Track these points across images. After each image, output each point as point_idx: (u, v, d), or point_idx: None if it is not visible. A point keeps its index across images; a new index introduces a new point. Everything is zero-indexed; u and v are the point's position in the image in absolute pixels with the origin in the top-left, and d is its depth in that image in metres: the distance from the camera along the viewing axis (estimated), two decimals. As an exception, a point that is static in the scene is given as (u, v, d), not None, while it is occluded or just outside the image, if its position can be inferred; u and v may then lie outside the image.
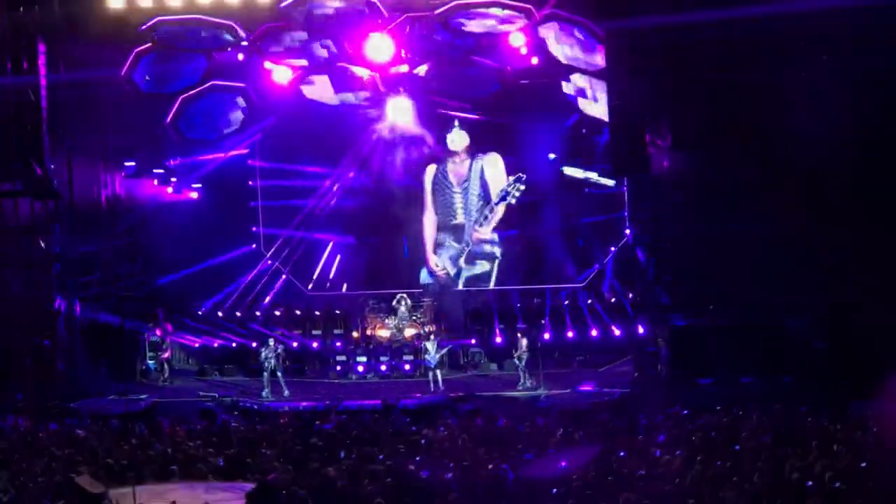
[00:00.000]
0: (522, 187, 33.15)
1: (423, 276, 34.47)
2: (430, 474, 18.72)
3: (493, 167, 34.19)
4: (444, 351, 31.04)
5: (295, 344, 32.74)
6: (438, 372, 30.15)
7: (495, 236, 34.08)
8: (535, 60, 32.07)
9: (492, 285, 34.07)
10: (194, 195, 34.80)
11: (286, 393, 29.85)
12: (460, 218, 34.36)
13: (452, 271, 34.13)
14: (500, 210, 33.85)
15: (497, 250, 34.04)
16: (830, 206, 26.93)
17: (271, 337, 31.40)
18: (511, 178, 33.33)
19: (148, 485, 18.94)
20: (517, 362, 30.24)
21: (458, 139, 34.05)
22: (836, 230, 27.14)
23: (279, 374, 30.18)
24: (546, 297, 33.24)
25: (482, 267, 34.03)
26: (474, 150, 34.27)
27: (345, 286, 35.14)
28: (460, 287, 34.14)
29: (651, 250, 28.85)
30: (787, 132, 27.04)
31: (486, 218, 33.80)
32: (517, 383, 29.89)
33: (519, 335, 31.01)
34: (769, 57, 27.32)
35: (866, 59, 26.80)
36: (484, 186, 34.21)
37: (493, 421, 24.28)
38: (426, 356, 30.59)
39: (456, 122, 33.86)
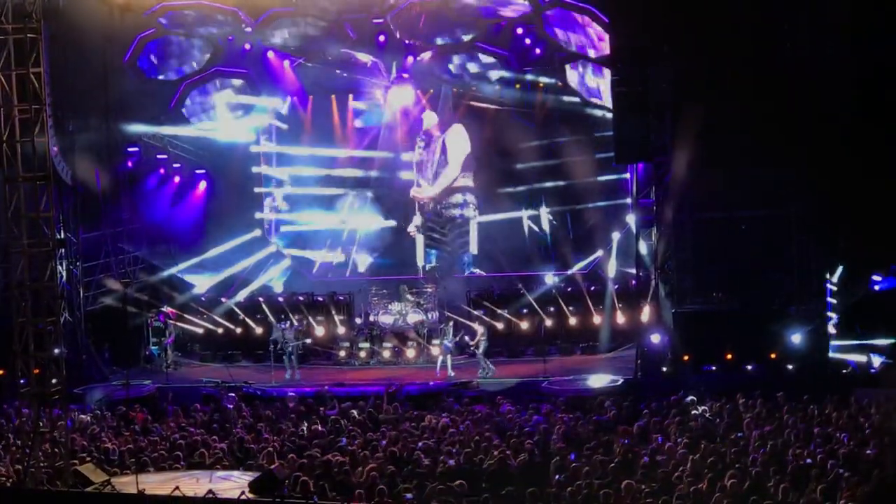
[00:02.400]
0: None
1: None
2: None
3: (456, 137, 34.38)
4: (461, 336, 30.91)
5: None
6: (449, 357, 30.07)
7: (460, 198, 34.60)
8: (537, 51, 32.13)
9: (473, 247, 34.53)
10: (202, 184, 34.86)
11: (288, 376, 29.88)
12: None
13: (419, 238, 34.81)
14: (451, 171, 34.33)
15: (455, 212, 34.64)
16: (839, 191, 26.93)
17: (287, 320, 31.47)
18: None
19: (151, 473, 18.95)
20: (476, 350, 30.08)
21: (427, 119, 34.35)
22: (845, 214, 27.14)
23: (293, 357, 30.23)
24: (548, 284, 33.17)
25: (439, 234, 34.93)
26: (444, 127, 34.51)
27: (348, 272, 35.20)
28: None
29: (655, 236, 28.80)
30: (795, 119, 27.03)
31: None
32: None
33: (476, 323, 30.93)
34: (776, 40, 27.29)
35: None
36: (444, 154, 34.50)
37: (496, 407, 24.31)
38: (444, 340, 30.48)
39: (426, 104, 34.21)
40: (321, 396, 26.35)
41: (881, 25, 26.89)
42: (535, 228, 34.35)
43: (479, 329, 30.39)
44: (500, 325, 32.17)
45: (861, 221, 27.09)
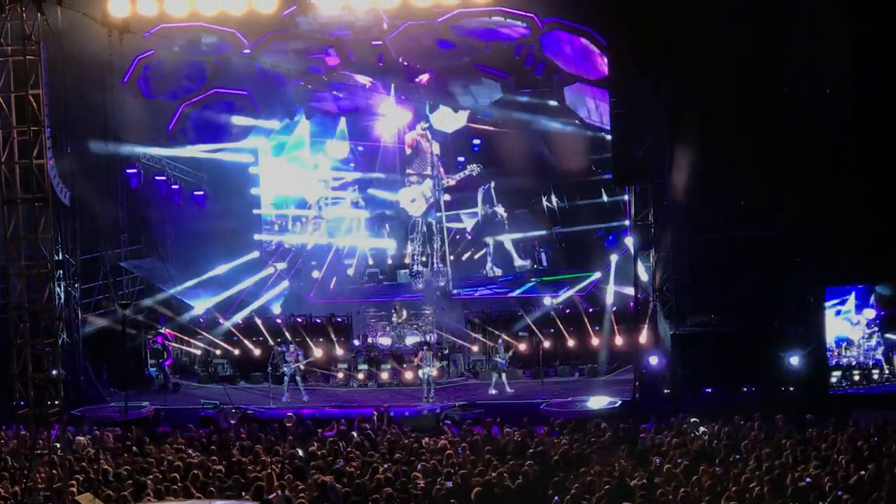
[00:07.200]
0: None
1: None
2: None
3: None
4: (511, 353, 30.77)
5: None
6: (504, 374, 30.04)
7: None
8: (536, 73, 32.20)
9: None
10: (201, 205, 34.88)
11: (284, 398, 29.83)
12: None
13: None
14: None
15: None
16: (837, 213, 26.97)
17: (290, 343, 31.38)
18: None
19: (149, 502, 18.85)
20: (428, 375, 29.83)
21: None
22: (843, 237, 27.17)
23: (294, 380, 30.14)
24: (546, 305, 33.13)
25: None
26: None
27: (347, 294, 35.19)
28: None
29: (653, 258, 28.82)
30: (792, 141, 27.09)
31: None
32: (422, 397, 29.59)
33: (425, 348, 30.86)
34: (771, 64, 27.36)
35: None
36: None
37: (490, 429, 24.25)
38: (497, 358, 30.40)
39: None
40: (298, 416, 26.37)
41: (874, 52, 27.02)
42: (534, 249, 34.43)
43: (429, 353, 30.44)
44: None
45: (857, 243, 27.09)
